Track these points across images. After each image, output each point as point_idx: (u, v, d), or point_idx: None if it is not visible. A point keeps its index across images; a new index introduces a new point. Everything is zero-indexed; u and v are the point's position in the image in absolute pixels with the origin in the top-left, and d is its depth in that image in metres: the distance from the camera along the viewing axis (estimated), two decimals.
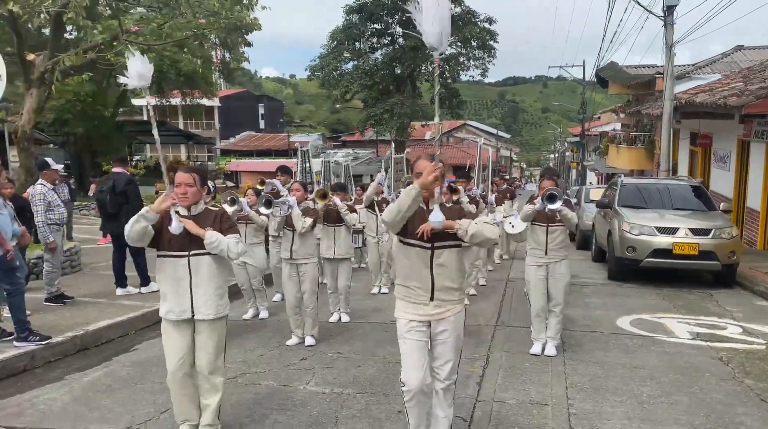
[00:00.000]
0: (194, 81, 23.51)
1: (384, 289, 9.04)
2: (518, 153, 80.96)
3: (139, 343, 6.40)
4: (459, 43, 33.60)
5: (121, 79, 3.99)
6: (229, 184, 34.00)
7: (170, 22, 10.82)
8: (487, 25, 33.34)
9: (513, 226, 6.52)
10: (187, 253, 3.78)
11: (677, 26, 15.02)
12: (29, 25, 10.48)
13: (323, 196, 6.77)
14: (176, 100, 28.43)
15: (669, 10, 14.77)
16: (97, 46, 11.83)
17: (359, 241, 10.03)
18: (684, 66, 22.71)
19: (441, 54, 3.24)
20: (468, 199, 7.90)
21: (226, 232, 3.80)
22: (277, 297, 8.32)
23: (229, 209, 6.53)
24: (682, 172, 18.55)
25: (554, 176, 6.04)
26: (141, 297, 7.82)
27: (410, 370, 3.46)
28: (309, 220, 6.08)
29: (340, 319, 7.33)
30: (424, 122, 38.52)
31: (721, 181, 15.42)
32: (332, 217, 7.14)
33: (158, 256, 3.86)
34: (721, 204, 11.34)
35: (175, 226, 3.70)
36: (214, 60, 23.46)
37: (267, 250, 8.10)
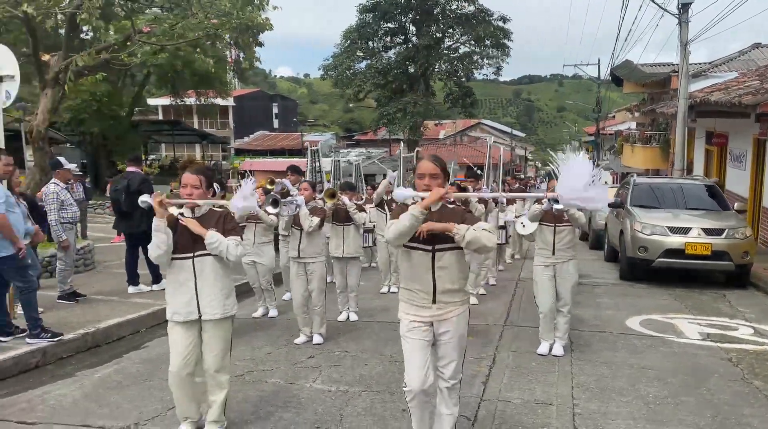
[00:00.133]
0: (209, 81, 23.66)
1: (393, 289, 9.04)
2: (533, 152, 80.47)
3: (149, 341, 6.48)
4: (472, 42, 33.52)
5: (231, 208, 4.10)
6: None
7: (182, 22, 10.92)
8: (500, 23, 33.21)
9: (524, 227, 6.51)
10: (191, 254, 3.83)
11: (692, 24, 14.91)
12: (45, 26, 10.62)
13: (332, 195, 6.81)
14: (191, 100, 28.64)
15: (684, 7, 14.64)
16: (110, 46, 11.98)
17: (369, 241, 10.08)
18: (700, 64, 22.47)
19: None
20: (477, 199, 7.87)
21: (227, 234, 3.85)
22: (287, 296, 8.37)
23: (272, 211, 6.55)
24: (697, 171, 18.36)
25: None
26: (152, 295, 7.91)
27: (412, 370, 3.47)
28: (316, 220, 6.12)
29: (348, 317, 7.36)
30: (437, 121, 38.42)
31: (737, 181, 15.24)
32: (341, 217, 7.18)
33: None
34: (736, 204, 11.22)
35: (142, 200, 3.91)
36: (229, 59, 23.62)
37: (277, 249, 8.16)
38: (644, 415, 4.46)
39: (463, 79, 34.94)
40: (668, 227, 9.73)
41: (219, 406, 3.97)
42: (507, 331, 6.89)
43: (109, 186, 9.32)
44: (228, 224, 3.94)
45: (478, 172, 9.49)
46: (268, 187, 8.11)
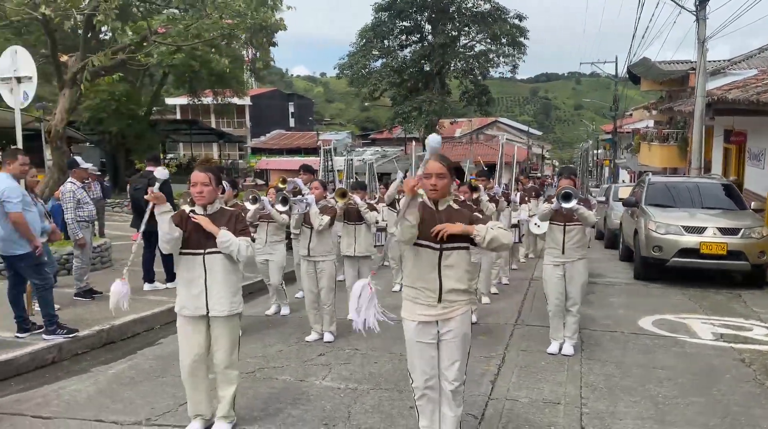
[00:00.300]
0: (226, 80, 23.82)
1: None
2: (550, 150, 79.98)
3: (163, 338, 6.57)
4: (488, 40, 33.39)
5: None
6: (259, 181, 34.40)
7: (196, 23, 11.05)
8: (516, 21, 33.05)
9: (538, 226, 6.50)
10: (202, 251, 3.90)
11: (710, 21, 14.73)
12: (63, 28, 10.80)
13: (343, 194, 6.86)
14: (208, 100, 28.87)
15: (701, 4, 14.48)
16: (126, 47, 12.15)
17: (382, 239, 10.10)
18: (719, 61, 22.19)
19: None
20: (488, 198, 7.88)
21: (238, 234, 3.91)
22: (299, 294, 8.42)
23: (251, 207, 6.64)
24: (715, 170, 18.14)
25: (572, 175, 6.02)
26: (167, 292, 8.01)
27: (417, 369, 3.52)
28: (326, 218, 6.16)
29: None
30: (453, 119, 38.34)
31: (756, 180, 15.03)
32: (353, 216, 7.22)
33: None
34: (752, 203, 11.09)
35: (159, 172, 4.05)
36: (246, 59, 23.76)
37: (291, 248, 8.22)
38: (652, 415, 4.45)
39: (479, 78, 34.83)
40: (683, 226, 9.64)
41: (228, 402, 4.04)
42: (518, 330, 6.89)
43: (129, 186, 9.47)
44: (239, 224, 4.00)
45: (483, 169, 9.47)
46: (280, 186, 8.21)
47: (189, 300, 3.93)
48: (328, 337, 6.37)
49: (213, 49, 11.98)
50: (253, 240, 7.33)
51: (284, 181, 8.32)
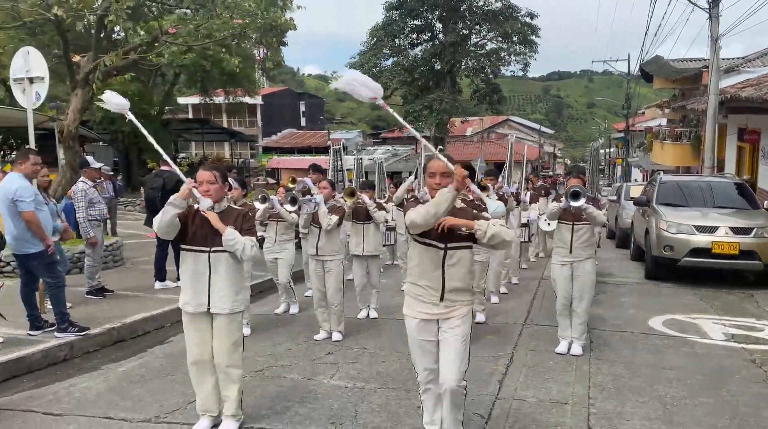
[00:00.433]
0: (237, 79, 23.92)
1: None
2: (562, 149, 79.61)
3: (173, 336, 6.61)
4: (499, 38, 33.22)
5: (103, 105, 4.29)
6: (271, 180, 34.53)
7: (206, 23, 11.12)
8: (528, 19, 32.86)
9: (549, 224, 6.49)
10: (208, 248, 3.93)
11: (723, 18, 14.61)
12: (76, 28, 10.91)
13: (351, 194, 6.88)
14: (220, 99, 29.00)
15: (714, 2, 14.37)
16: (137, 47, 12.25)
17: (392, 239, 10.12)
18: (733, 59, 21.99)
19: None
20: (497, 197, 7.86)
21: (244, 234, 3.94)
22: (309, 292, 8.46)
23: (260, 207, 6.68)
24: (729, 168, 17.98)
25: (581, 174, 6.01)
26: (178, 291, 7.90)
27: (419, 365, 3.59)
28: (335, 218, 6.18)
29: (368, 315, 7.43)
30: (463, 118, 38.22)
31: None
32: (361, 215, 7.24)
33: (182, 249, 4.03)
34: (766, 202, 10.98)
35: (203, 203, 3.85)
36: (257, 58, 23.82)
37: (300, 246, 8.25)
38: (660, 416, 4.43)
39: (491, 76, 34.67)
40: (695, 226, 9.57)
41: (234, 401, 4.06)
42: (526, 330, 6.88)
43: (143, 187, 9.56)
44: (246, 224, 4.02)
45: (487, 167, 9.45)
46: (290, 185, 8.24)
47: (192, 296, 3.97)
48: (336, 336, 6.39)
49: (224, 49, 12.05)
50: (263, 239, 7.41)
51: (294, 181, 8.34)
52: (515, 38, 33.00)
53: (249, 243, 3.92)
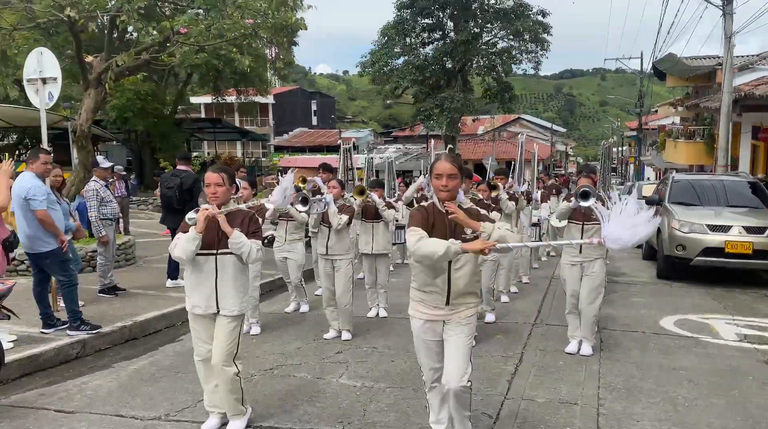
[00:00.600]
0: (249, 79, 23.98)
1: None
2: (574, 147, 79.18)
3: (184, 334, 6.61)
4: (511, 37, 33.10)
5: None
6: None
7: (217, 23, 11.16)
8: (540, 17, 32.72)
9: (559, 221, 6.46)
10: (215, 251, 3.95)
11: (737, 15, 14.46)
12: (89, 29, 11.00)
13: (361, 192, 6.89)
14: (232, 98, 29.10)
15: None
16: (149, 47, 12.33)
17: (401, 237, 10.12)
18: (747, 56, 21.77)
19: None
20: (507, 196, 7.84)
21: (251, 237, 3.95)
22: (319, 291, 8.48)
23: (270, 206, 6.70)
24: (743, 167, 17.79)
25: (592, 174, 5.98)
26: None
27: (425, 365, 3.64)
28: (345, 217, 6.20)
29: (378, 314, 7.43)
30: (475, 117, 38.12)
31: None
32: (371, 214, 7.26)
33: None
34: None
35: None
36: (269, 57, 23.86)
37: (310, 245, 8.27)
38: (670, 417, 4.40)
39: (502, 75, 34.56)
40: (707, 225, 9.50)
41: (235, 400, 4.05)
42: (536, 330, 6.85)
43: (159, 184, 9.62)
44: (252, 226, 4.03)
45: (498, 166, 9.42)
46: (301, 185, 8.25)
47: (201, 299, 3.99)
48: (345, 335, 6.41)
49: (235, 49, 12.09)
50: (273, 238, 7.43)
51: (305, 181, 8.36)
52: (527, 36, 32.88)
53: (255, 246, 3.93)
